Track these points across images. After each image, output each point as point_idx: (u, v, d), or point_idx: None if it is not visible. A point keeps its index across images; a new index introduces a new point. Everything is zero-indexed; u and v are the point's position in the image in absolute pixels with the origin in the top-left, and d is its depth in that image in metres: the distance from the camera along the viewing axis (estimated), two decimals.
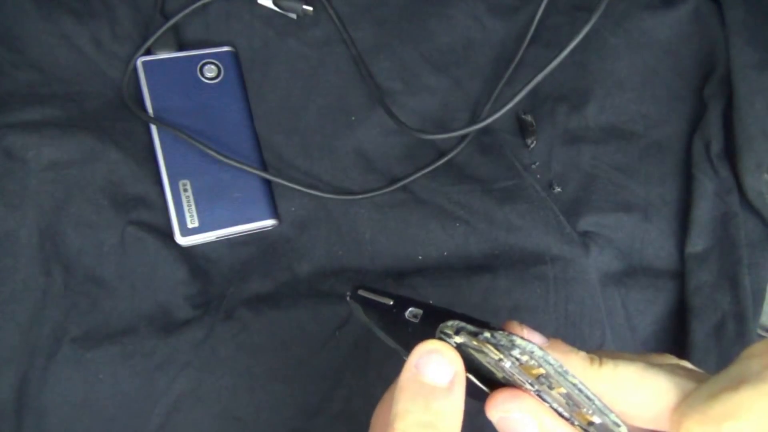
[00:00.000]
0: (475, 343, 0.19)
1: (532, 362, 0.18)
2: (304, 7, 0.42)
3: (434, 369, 0.20)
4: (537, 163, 0.43)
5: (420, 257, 0.39)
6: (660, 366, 0.21)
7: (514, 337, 0.18)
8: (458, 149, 0.42)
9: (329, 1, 0.43)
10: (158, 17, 0.41)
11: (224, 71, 0.41)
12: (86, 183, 0.37)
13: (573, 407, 0.19)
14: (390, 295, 0.24)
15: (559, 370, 0.19)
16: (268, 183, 0.40)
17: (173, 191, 0.38)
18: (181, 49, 0.42)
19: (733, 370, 0.19)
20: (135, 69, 0.40)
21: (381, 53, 0.44)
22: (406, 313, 0.22)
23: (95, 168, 0.38)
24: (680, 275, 0.40)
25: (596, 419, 0.19)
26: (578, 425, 0.20)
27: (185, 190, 0.39)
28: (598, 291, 0.39)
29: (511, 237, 0.39)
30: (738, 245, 0.38)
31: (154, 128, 0.39)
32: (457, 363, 0.20)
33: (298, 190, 0.40)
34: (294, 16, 0.43)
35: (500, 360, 0.19)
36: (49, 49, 0.40)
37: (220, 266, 0.39)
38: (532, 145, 0.43)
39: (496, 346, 0.19)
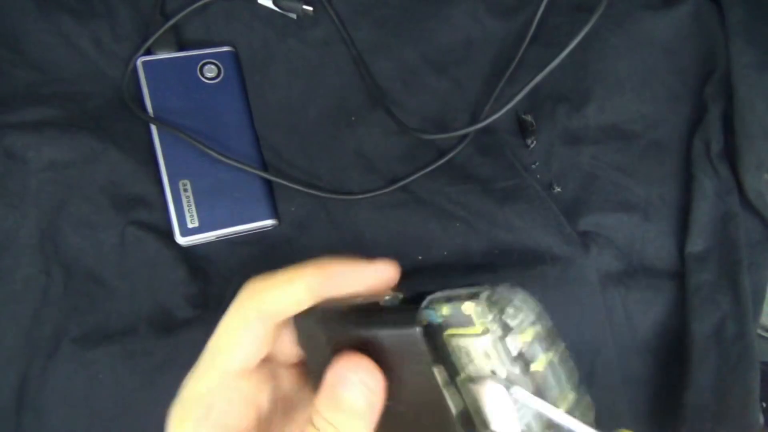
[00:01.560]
0: (467, 307, 0.18)
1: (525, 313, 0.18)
2: (304, 7, 0.42)
3: (353, 390, 0.20)
4: (537, 163, 0.42)
5: (420, 257, 0.39)
6: None
7: (517, 288, 0.18)
8: (458, 149, 0.42)
9: (329, 1, 0.43)
10: (158, 17, 0.41)
11: (224, 71, 0.41)
12: (86, 183, 0.37)
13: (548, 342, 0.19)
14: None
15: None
16: (268, 183, 0.40)
17: (173, 191, 0.38)
18: (181, 49, 0.42)
19: None
20: (135, 69, 0.40)
21: (381, 53, 0.44)
22: (382, 301, 0.21)
23: (95, 168, 0.38)
24: (680, 275, 0.40)
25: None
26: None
27: (185, 190, 0.39)
28: (598, 291, 0.39)
29: (511, 237, 0.39)
30: (738, 245, 0.38)
31: (154, 128, 0.39)
32: (379, 383, 0.21)
33: (298, 190, 0.40)
34: (294, 16, 0.43)
35: (485, 331, 0.17)
36: (49, 49, 0.40)
37: (220, 266, 0.39)
38: (532, 145, 0.43)
39: (497, 302, 0.18)
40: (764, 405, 0.37)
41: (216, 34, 0.43)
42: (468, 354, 0.18)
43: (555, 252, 0.39)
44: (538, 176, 0.42)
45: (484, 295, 0.18)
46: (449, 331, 0.19)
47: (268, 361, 0.26)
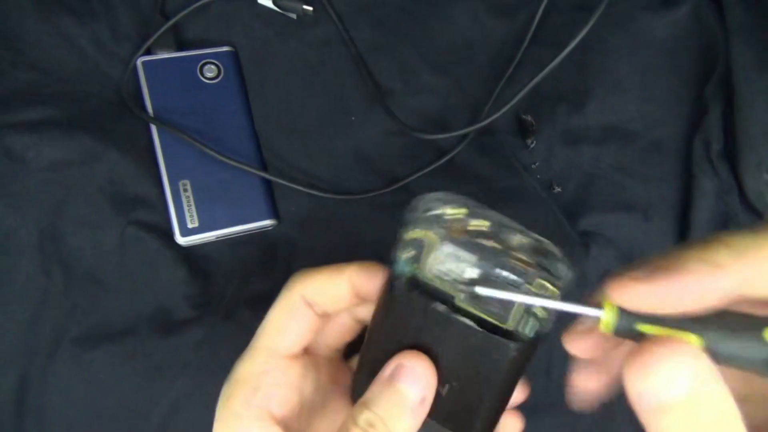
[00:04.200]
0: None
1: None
2: (304, 7, 0.42)
3: (411, 382, 0.22)
4: (537, 163, 0.43)
5: None
6: None
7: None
8: (458, 149, 0.42)
9: (329, 1, 0.43)
10: (158, 17, 0.41)
11: (224, 71, 0.41)
12: (86, 183, 0.37)
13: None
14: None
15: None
16: (268, 183, 0.40)
17: (173, 191, 0.38)
18: (181, 49, 0.42)
19: None
20: (135, 69, 0.40)
21: (381, 53, 0.44)
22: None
23: (95, 168, 0.38)
24: None
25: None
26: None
27: (185, 190, 0.39)
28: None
29: None
30: None
31: (154, 128, 0.39)
32: (434, 380, 0.22)
33: (298, 190, 0.40)
34: (294, 16, 0.43)
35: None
36: (49, 49, 0.40)
37: (220, 266, 0.39)
38: (532, 145, 0.43)
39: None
40: None
41: (216, 34, 0.43)
42: (446, 271, 0.22)
43: None
44: (538, 176, 0.42)
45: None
46: (423, 273, 0.22)
47: (311, 352, 0.28)
